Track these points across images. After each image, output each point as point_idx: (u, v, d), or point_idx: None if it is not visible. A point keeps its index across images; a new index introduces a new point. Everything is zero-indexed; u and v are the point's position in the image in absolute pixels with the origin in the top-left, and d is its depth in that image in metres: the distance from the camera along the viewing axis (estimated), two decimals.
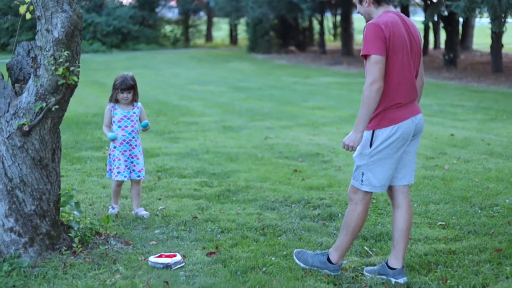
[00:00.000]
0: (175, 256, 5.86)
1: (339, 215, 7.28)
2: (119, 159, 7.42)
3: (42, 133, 5.73)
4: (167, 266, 5.72)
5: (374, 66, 5.05)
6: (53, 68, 5.50)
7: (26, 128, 5.63)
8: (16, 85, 5.86)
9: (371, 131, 5.25)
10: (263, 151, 11.13)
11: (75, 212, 6.11)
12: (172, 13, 68.31)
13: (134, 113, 7.48)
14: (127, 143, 7.47)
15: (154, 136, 12.74)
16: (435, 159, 10.28)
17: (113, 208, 7.52)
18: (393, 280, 5.40)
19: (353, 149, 5.20)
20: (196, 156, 10.74)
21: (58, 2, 5.45)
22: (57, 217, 5.98)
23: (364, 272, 5.60)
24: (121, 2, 62.11)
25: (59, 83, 5.57)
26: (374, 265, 5.75)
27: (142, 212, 7.39)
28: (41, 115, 5.63)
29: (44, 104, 5.62)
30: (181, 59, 40.89)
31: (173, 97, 20.12)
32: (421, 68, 5.50)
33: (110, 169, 7.53)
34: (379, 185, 5.37)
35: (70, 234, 6.10)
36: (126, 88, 7.38)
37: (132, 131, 7.47)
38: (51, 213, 5.90)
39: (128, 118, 7.45)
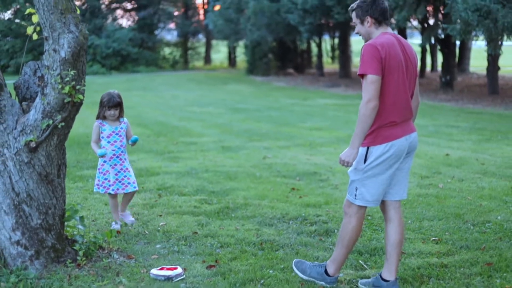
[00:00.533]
0: (176, 268, 6.05)
1: (335, 230, 7.47)
2: (109, 173, 7.75)
3: (48, 150, 5.94)
4: (168, 278, 5.91)
5: (370, 85, 5.24)
6: (59, 86, 5.73)
7: (33, 144, 5.85)
8: (24, 103, 6.08)
9: (366, 147, 5.44)
10: (261, 170, 11.33)
11: (80, 226, 6.31)
12: (171, 35, 68.62)
13: (121, 128, 7.83)
14: (117, 157, 7.80)
15: (154, 155, 12.95)
16: (430, 178, 10.49)
17: (116, 223, 7.78)
18: None
19: (348, 164, 5.38)
20: (196, 174, 10.95)
21: (65, 24, 5.68)
22: (62, 231, 6.18)
23: (359, 285, 5.80)
24: (121, 25, 62.42)
25: (65, 101, 5.80)
26: (369, 277, 5.95)
27: (129, 218, 7.92)
28: (47, 132, 5.85)
29: (50, 122, 5.84)
30: (180, 81, 41.15)
31: (172, 118, 20.35)
32: (416, 88, 5.68)
33: (98, 184, 7.83)
34: (372, 199, 5.56)
35: (74, 248, 6.29)
36: (113, 106, 7.70)
37: (121, 145, 7.81)
38: (57, 227, 6.10)
39: (116, 134, 7.78)
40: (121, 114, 7.83)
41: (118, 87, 36.95)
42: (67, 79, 5.70)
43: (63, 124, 5.87)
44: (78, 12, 5.78)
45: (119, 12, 65.34)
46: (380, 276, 5.69)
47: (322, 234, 7.42)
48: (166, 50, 67.30)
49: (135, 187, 7.86)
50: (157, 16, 65.38)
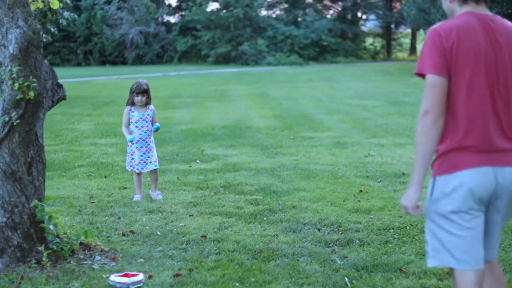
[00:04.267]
0: (137, 275, 5.74)
1: (357, 241, 6.83)
2: (135, 153, 8.73)
3: (11, 147, 5.81)
4: (123, 286, 5.60)
5: (428, 90, 3.71)
6: (10, 83, 5.57)
7: None
8: None
9: (433, 178, 3.87)
10: (350, 170, 10.69)
11: (51, 226, 6.13)
12: (373, 26, 67.67)
13: (148, 114, 8.79)
14: (144, 140, 8.76)
15: (256, 150, 12.64)
16: None
17: (137, 196, 8.71)
18: None
19: (408, 210, 3.82)
20: (276, 172, 10.51)
21: (12, 18, 5.52)
22: (31, 230, 6.03)
23: None
24: (322, 15, 62.34)
25: (17, 97, 5.63)
26: None
27: (156, 196, 8.75)
28: (6, 130, 5.72)
29: (7, 119, 5.70)
30: (368, 73, 40.55)
31: (319, 110, 19.94)
32: None
33: (127, 164, 8.92)
34: (456, 258, 3.81)
35: (51, 247, 6.13)
36: (141, 92, 8.69)
37: (147, 130, 8.77)
38: (24, 225, 5.96)
39: (144, 120, 8.76)
40: (148, 101, 8.78)
41: (302, 77, 37.08)
42: (14, 75, 5.53)
43: (18, 121, 5.71)
44: (38, 6, 5.58)
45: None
46: None
47: (341, 244, 6.79)
48: (367, 41, 66.60)
49: (155, 166, 8.80)
50: (358, 6, 64.83)
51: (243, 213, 8.00)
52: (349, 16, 65.05)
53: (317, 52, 59.31)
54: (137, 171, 8.76)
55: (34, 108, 5.77)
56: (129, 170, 8.99)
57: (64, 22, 27.42)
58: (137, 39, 60.67)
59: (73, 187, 9.49)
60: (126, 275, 5.75)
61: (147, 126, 8.77)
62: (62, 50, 62.69)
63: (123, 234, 7.10)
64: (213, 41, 58.36)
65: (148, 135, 8.78)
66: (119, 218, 7.79)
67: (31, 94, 5.61)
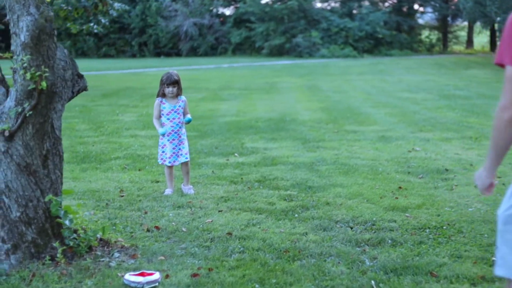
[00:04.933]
0: (153, 274, 5.49)
1: (389, 241, 6.49)
2: (166, 146, 8.53)
3: (25, 139, 5.61)
4: (138, 285, 5.37)
5: (508, 83, 3.28)
6: (21, 72, 5.36)
7: (7, 133, 5.55)
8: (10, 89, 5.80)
9: None
10: (391, 165, 10.30)
11: (66, 222, 5.91)
12: (429, 18, 66.59)
13: (180, 106, 8.57)
14: (175, 133, 8.55)
15: (297, 144, 12.33)
16: None
17: (167, 190, 8.55)
18: None
19: (481, 189, 3.61)
20: (314, 167, 10.19)
21: (24, 5, 5.30)
22: (46, 225, 5.83)
23: None
24: (377, 8, 61.58)
25: (29, 88, 5.42)
26: None
27: (188, 190, 8.53)
28: (19, 121, 5.52)
29: (20, 110, 5.50)
30: (421, 66, 39.86)
31: (366, 104, 19.50)
32: None
33: (158, 157, 8.72)
34: None
35: (68, 244, 5.93)
36: (171, 83, 8.46)
37: (179, 122, 8.55)
38: (39, 220, 5.76)
39: (175, 112, 8.53)
40: (179, 92, 8.57)
41: (355, 70, 36.62)
42: (26, 64, 5.32)
43: (31, 112, 5.50)
44: None
45: None
46: None
47: (372, 244, 6.45)
48: (424, 34, 65.57)
49: (186, 158, 8.55)
50: None
51: (274, 209, 7.71)
52: (404, 9, 64.10)
53: (372, 44, 58.68)
54: (168, 164, 8.56)
55: (48, 98, 5.55)
56: (160, 163, 8.77)
57: (115, 13, 27.41)
58: (191, 31, 60.75)
59: (105, 180, 9.31)
60: (141, 274, 5.51)
61: (178, 118, 8.54)
62: (117, 41, 63.18)
63: (148, 230, 6.87)
64: (267, 33, 58.14)
65: (180, 127, 8.56)
66: (145, 213, 7.56)
67: (44, 84, 5.39)
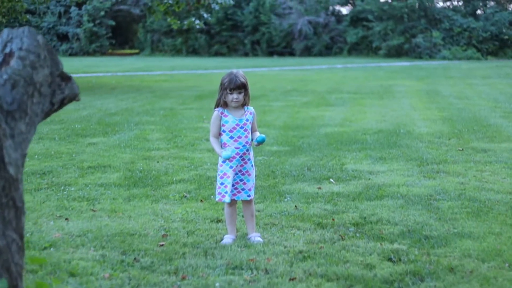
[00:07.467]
0: None
1: None
2: (228, 176, 6.19)
3: None
4: None
5: None
6: None
7: None
8: None
9: None
10: None
11: None
12: None
13: (247, 120, 6.27)
14: (240, 157, 6.23)
15: (412, 166, 9.75)
16: None
17: (228, 237, 6.25)
18: None
19: None
20: (433, 202, 7.65)
21: None
22: None
23: None
24: (503, 7, 57.94)
25: None
26: None
27: (256, 238, 6.21)
28: None
29: None
30: None
31: (495, 113, 16.61)
32: None
33: (217, 190, 6.35)
34: None
35: None
36: (236, 87, 6.13)
37: (246, 142, 6.25)
38: None
39: (241, 127, 6.23)
40: (246, 101, 6.26)
41: (478, 73, 33.62)
42: None
43: None
44: None
45: None
46: None
47: None
48: None
49: (248, 196, 6.30)
50: None
51: (372, 278, 5.27)
52: None
53: (497, 46, 55.50)
54: (228, 201, 6.23)
55: None
56: (217, 200, 6.42)
57: (217, 7, 25.53)
58: (305, 29, 58.75)
59: (151, 215, 7.06)
60: None
61: (246, 136, 6.24)
62: (229, 39, 61.87)
63: None
64: (385, 32, 55.58)
65: (247, 150, 6.26)
66: (183, 278, 5.23)
67: None
